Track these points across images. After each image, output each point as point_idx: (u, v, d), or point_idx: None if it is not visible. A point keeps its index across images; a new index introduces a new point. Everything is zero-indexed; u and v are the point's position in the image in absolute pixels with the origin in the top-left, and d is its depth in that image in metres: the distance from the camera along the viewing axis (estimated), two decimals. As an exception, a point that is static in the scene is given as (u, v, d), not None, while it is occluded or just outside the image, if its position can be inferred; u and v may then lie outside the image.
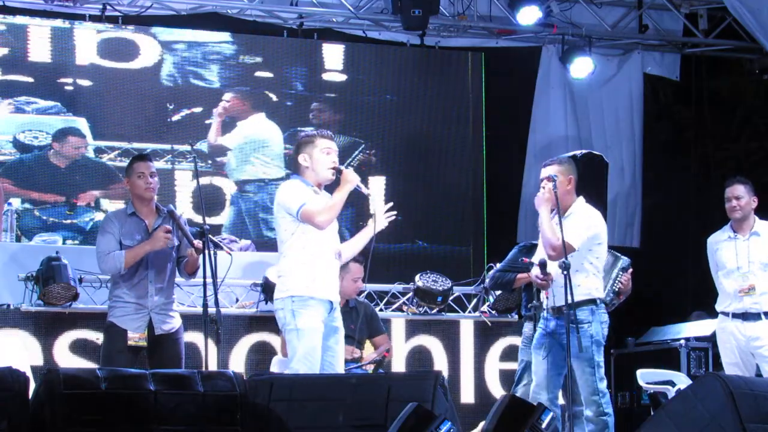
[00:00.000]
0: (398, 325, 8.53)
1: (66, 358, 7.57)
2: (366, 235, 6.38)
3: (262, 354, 8.11)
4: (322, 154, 6.23)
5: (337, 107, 10.71)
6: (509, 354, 8.52)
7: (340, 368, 6.22)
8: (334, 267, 6.24)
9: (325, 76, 10.70)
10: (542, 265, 6.56)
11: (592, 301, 6.62)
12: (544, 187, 6.70)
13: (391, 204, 6.40)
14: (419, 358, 8.55)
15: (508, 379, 8.30)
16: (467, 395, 8.59)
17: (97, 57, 10.01)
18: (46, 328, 7.59)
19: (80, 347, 7.63)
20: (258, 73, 10.49)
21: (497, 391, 8.54)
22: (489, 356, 8.68)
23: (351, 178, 6.17)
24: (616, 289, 7.33)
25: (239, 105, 10.41)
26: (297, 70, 10.63)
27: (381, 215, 6.32)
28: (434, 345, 8.62)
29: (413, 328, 8.61)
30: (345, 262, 6.56)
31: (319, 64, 10.68)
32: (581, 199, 6.85)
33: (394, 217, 6.40)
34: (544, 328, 6.72)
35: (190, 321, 6.94)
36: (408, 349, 8.57)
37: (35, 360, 7.41)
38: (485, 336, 8.70)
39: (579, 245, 6.58)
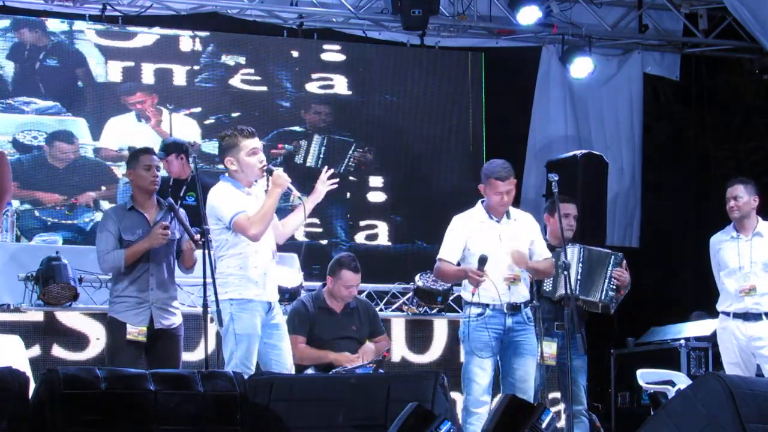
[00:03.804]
0: (398, 321, 8.51)
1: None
2: (298, 216, 6.31)
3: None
4: (249, 156, 6.14)
5: (337, 107, 10.71)
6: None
7: (288, 365, 6.22)
8: (271, 267, 6.23)
9: (324, 76, 10.70)
10: (482, 261, 6.54)
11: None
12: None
13: (331, 171, 6.33)
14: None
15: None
16: None
17: (97, 57, 10.03)
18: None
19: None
20: (247, 72, 10.49)
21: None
22: None
23: (281, 182, 6.07)
24: (614, 287, 7.34)
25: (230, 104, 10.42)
26: (293, 71, 10.63)
27: (323, 186, 6.26)
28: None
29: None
30: (282, 242, 6.48)
31: (318, 65, 10.68)
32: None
33: (335, 186, 6.34)
34: (497, 327, 6.66)
35: (190, 321, 6.93)
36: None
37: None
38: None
39: None
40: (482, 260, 6.54)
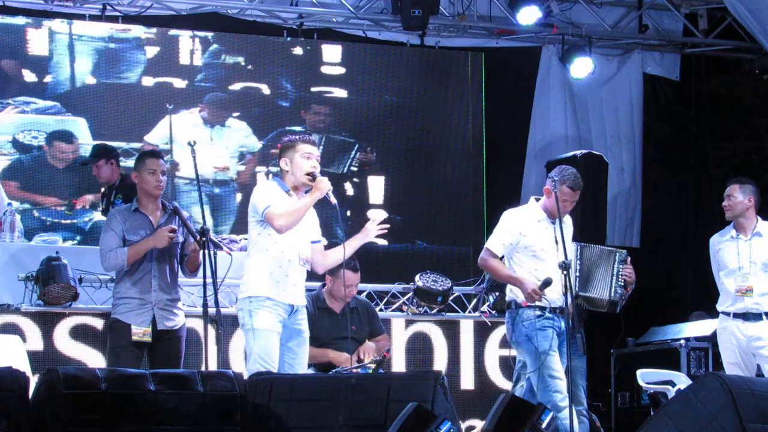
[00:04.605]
0: (398, 322, 8.51)
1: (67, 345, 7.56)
2: (350, 248, 6.47)
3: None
4: (303, 158, 6.32)
5: (337, 107, 10.71)
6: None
7: (301, 370, 6.29)
8: (298, 272, 6.32)
9: (324, 76, 10.70)
10: (547, 284, 6.63)
11: None
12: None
13: (385, 216, 6.48)
14: (420, 348, 8.51)
15: (507, 365, 8.26)
16: (467, 382, 8.56)
17: (96, 56, 10.04)
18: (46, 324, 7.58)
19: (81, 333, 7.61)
20: (250, 73, 10.51)
21: (497, 377, 8.51)
22: (488, 343, 8.64)
23: (321, 186, 6.24)
24: (622, 284, 7.34)
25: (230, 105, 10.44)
26: (293, 71, 10.63)
27: (373, 227, 6.42)
28: (434, 332, 8.59)
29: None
30: (322, 272, 6.68)
31: (318, 64, 10.69)
32: None
33: (385, 232, 6.51)
34: (556, 329, 6.77)
35: (190, 321, 6.94)
36: (408, 336, 8.53)
37: (36, 346, 7.39)
38: (485, 323, 8.67)
39: None
40: (547, 283, 6.63)
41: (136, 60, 10.15)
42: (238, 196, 10.26)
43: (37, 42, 9.88)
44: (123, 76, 10.11)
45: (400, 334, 8.44)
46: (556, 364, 6.68)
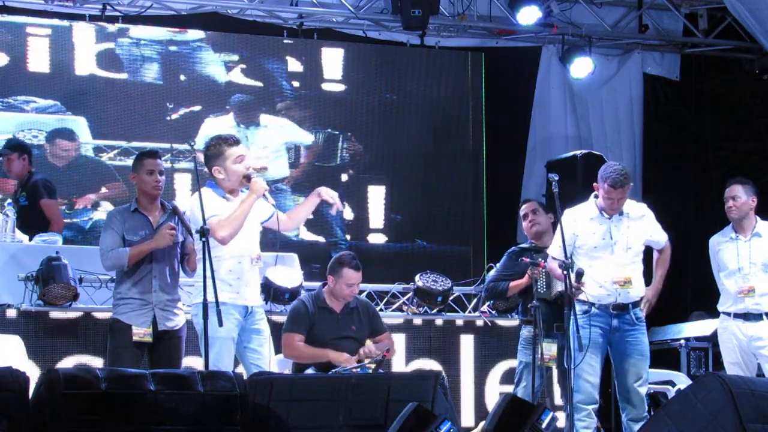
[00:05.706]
0: (399, 335, 8.48)
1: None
2: (306, 209, 6.53)
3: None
4: (235, 164, 6.28)
5: (336, 107, 10.71)
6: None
7: (267, 368, 6.28)
8: (250, 272, 6.33)
9: (325, 76, 10.70)
10: (579, 275, 6.58)
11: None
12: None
13: (340, 208, 6.54)
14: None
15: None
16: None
17: (95, 57, 10.04)
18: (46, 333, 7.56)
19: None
20: (249, 72, 10.52)
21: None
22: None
23: (257, 188, 6.21)
24: None
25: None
26: (293, 70, 10.64)
27: (324, 190, 6.43)
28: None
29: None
30: (293, 228, 6.79)
31: (319, 64, 10.69)
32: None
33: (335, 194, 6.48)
34: (603, 326, 6.70)
35: (187, 360, 6.93)
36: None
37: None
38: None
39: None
40: (579, 274, 6.58)
41: (136, 59, 10.15)
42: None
43: (37, 41, 9.89)
44: (123, 75, 10.11)
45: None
46: (586, 364, 6.63)
